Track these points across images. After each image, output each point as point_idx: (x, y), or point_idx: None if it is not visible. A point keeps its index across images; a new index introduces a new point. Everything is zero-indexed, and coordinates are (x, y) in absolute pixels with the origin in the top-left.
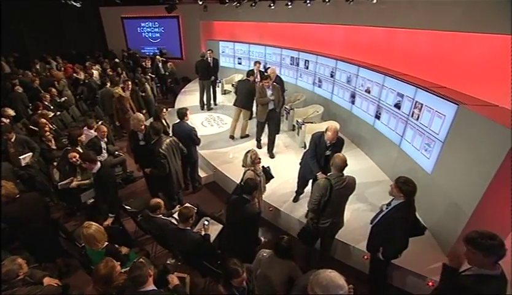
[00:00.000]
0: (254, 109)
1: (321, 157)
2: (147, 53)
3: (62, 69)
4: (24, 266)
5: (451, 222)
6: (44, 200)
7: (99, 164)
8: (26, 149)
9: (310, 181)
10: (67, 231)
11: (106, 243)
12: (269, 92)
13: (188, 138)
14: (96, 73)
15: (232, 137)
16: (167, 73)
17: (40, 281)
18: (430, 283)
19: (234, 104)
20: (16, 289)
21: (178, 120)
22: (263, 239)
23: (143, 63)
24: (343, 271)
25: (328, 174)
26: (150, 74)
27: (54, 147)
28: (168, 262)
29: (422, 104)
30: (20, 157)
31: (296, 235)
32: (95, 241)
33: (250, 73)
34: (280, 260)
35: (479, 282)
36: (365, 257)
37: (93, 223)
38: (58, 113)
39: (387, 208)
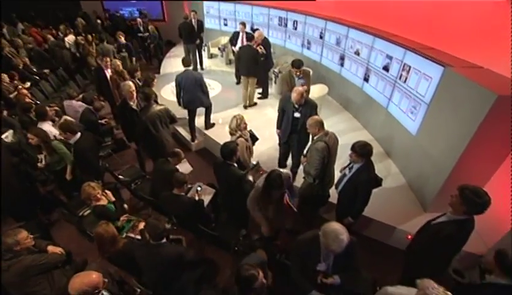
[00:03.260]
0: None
1: (289, 118)
2: (126, 15)
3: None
4: (27, 236)
5: (431, 180)
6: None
7: (78, 135)
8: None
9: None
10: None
11: (97, 204)
12: (299, 82)
13: (199, 85)
14: (71, 39)
15: (245, 106)
16: (147, 34)
17: (44, 250)
18: (409, 237)
19: (236, 73)
20: (22, 258)
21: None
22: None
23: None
24: None
25: (317, 137)
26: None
27: (35, 118)
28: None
29: (410, 67)
30: (2, 136)
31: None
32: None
33: (251, 36)
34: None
35: (453, 225)
36: None
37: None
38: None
39: (349, 172)
